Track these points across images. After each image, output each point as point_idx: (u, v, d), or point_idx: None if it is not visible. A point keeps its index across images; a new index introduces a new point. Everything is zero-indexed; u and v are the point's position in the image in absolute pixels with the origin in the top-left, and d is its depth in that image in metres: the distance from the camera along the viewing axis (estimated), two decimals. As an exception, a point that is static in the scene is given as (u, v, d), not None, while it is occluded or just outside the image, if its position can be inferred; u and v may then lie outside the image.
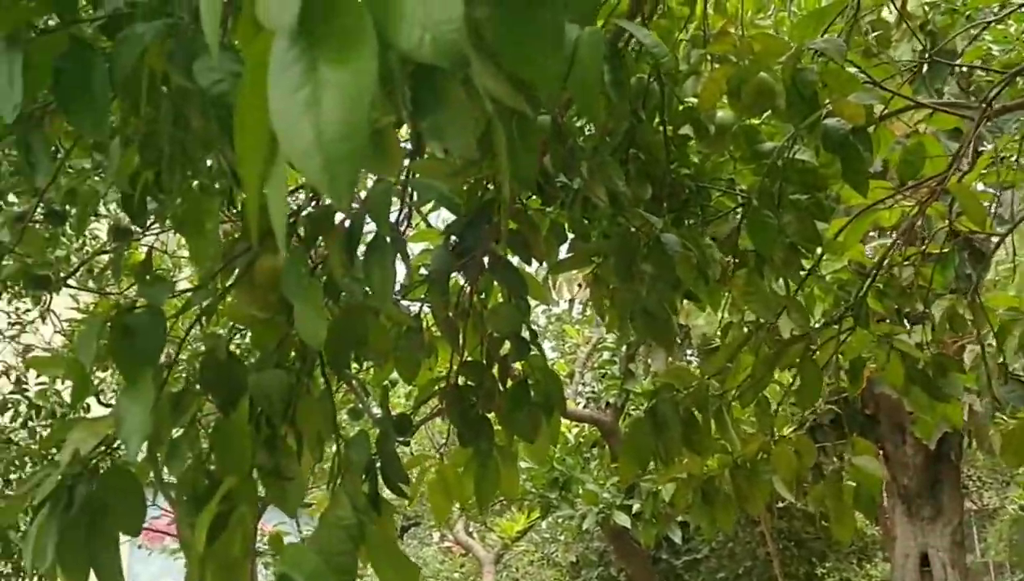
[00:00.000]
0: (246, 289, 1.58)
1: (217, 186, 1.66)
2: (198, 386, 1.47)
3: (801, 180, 2.45)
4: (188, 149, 1.31)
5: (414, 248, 3.00)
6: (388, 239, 1.36)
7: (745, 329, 2.75)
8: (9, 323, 5.51)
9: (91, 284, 6.62)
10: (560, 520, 10.39)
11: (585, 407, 5.51)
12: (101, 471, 1.40)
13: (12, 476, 5.46)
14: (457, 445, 2.60)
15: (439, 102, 0.74)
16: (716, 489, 2.61)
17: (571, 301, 8.63)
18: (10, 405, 5.39)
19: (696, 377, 2.50)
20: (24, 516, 5.51)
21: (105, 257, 6.47)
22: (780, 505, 9.32)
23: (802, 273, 2.41)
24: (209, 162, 1.49)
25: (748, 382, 2.42)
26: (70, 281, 5.93)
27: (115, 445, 1.44)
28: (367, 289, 1.64)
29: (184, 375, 1.69)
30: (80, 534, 1.37)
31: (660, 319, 2.23)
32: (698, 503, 2.59)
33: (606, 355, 5.46)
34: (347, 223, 1.43)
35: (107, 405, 5.43)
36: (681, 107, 2.60)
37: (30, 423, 5.53)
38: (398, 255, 1.39)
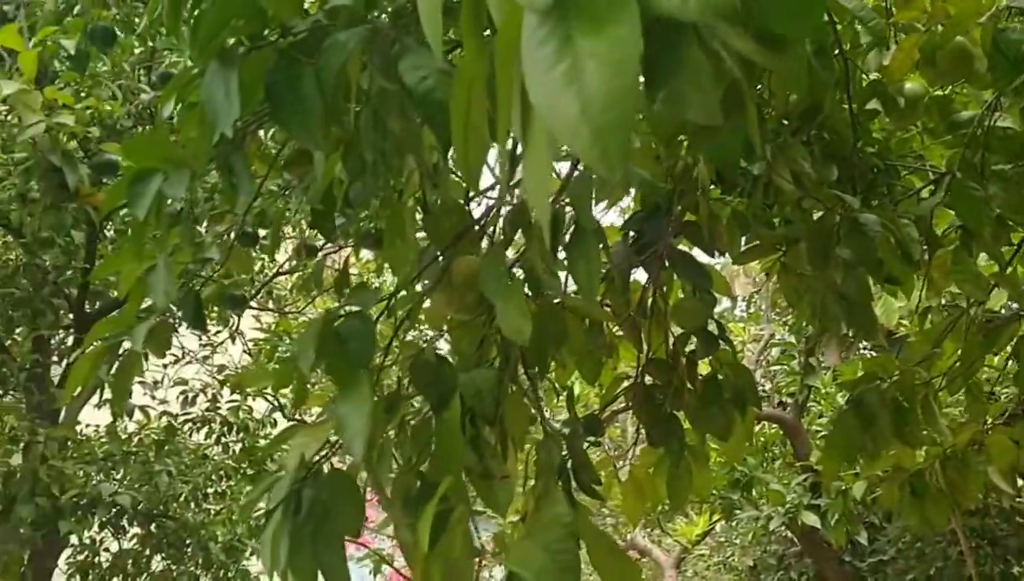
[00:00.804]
0: (444, 291, 1.59)
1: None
2: (407, 389, 1.48)
3: (1005, 149, 2.29)
4: (387, 155, 1.32)
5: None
6: (591, 230, 1.33)
7: (945, 313, 2.59)
8: (200, 345, 5.84)
9: (270, 304, 6.95)
10: (737, 524, 10.15)
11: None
12: (322, 475, 1.43)
13: (209, 490, 5.75)
14: (645, 445, 2.56)
15: (679, 67, 0.70)
16: (926, 483, 2.45)
17: (734, 298, 8.41)
18: (204, 423, 5.70)
19: (898, 366, 2.35)
20: (223, 527, 5.81)
21: (282, 277, 6.78)
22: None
23: (1011, 247, 2.24)
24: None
25: (956, 368, 2.27)
26: (252, 302, 6.24)
27: (332, 449, 1.48)
28: (562, 284, 1.63)
29: (388, 380, 1.72)
30: (307, 538, 1.40)
31: (860, 306, 2.11)
32: (907, 498, 2.44)
33: (778, 351, 5.27)
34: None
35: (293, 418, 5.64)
36: (865, 81, 2.47)
37: (223, 439, 5.84)
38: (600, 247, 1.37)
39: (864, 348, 6.01)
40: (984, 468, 2.39)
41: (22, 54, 2.33)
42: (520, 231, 1.48)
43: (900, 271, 2.12)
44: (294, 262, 6.49)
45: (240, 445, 5.85)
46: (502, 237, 1.61)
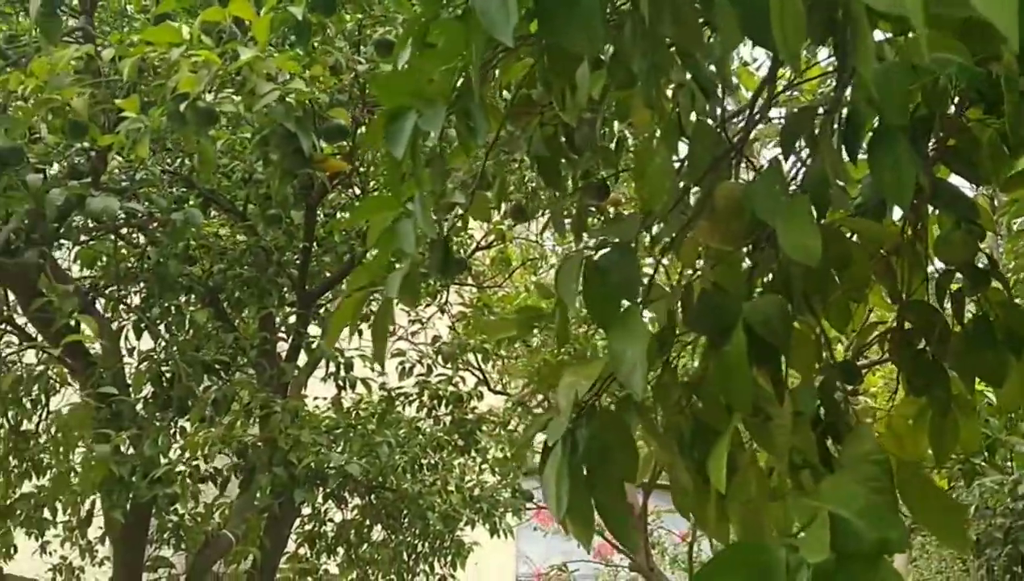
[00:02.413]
0: (707, 220, 1.48)
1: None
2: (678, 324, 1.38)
3: None
4: (659, 67, 1.22)
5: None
6: (900, 129, 1.18)
7: None
8: (410, 321, 5.97)
9: (469, 280, 7.04)
10: (962, 494, 9.47)
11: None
12: (596, 416, 1.35)
13: (423, 461, 5.87)
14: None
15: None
16: None
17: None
18: (414, 397, 5.82)
19: None
20: (439, 497, 5.92)
21: (479, 254, 6.85)
22: None
23: None
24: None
25: None
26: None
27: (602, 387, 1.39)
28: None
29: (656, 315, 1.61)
30: (582, 480, 1.33)
31: None
32: None
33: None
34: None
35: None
36: None
37: (434, 412, 5.95)
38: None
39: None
40: None
41: (255, 23, 2.39)
42: (800, 142, 1.34)
43: None
44: (491, 238, 6.54)
45: (450, 418, 5.95)
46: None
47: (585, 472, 1.34)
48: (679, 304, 1.38)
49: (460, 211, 2.17)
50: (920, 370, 2.25)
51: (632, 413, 1.39)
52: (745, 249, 1.49)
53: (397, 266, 1.68)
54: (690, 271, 1.47)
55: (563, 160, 2.17)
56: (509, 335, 3.44)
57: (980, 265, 2.21)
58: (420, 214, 1.47)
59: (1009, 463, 4.34)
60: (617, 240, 1.41)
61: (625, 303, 1.36)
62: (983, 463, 4.53)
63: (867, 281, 1.72)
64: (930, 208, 2.29)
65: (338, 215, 5.28)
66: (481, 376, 6.66)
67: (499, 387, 7.20)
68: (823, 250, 1.45)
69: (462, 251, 6.36)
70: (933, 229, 2.39)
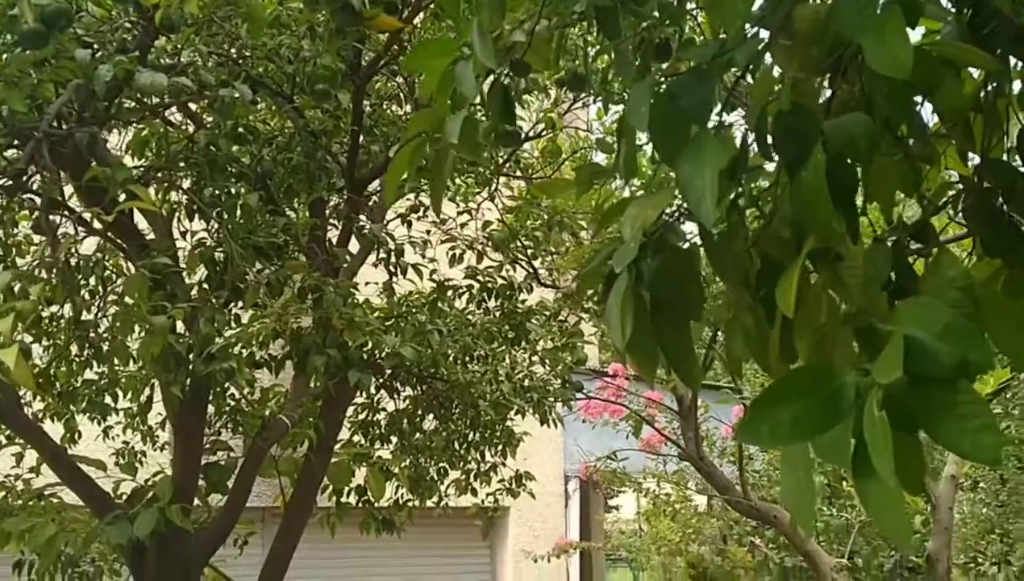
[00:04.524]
0: (784, 46, 1.38)
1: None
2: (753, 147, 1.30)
3: None
4: None
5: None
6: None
7: None
8: (458, 212, 5.92)
9: (517, 172, 6.94)
10: (1011, 390, 9.32)
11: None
12: (664, 248, 1.29)
13: (474, 352, 5.88)
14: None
15: None
16: None
17: None
18: (463, 289, 5.81)
19: None
20: (490, 386, 5.96)
21: (527, 145, 6.73)
22: None
23: None
24: None
25: None
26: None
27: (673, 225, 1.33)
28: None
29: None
30: (646, 313, 1.27)
31: None
32: None
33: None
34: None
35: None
36: None
37: (484, 303, 5.93)
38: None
39: None
40: None
41: None
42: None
43: None
44: (541, 128, 6.41)
45: (500, 310, 5.93)
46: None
47: (649, 307, 1.29)
48: (754, 131, 1.31)
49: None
50: (996, 231, 2.16)
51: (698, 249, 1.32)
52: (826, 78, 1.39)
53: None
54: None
55: (624, 10, 2.07)
56: (569, 194, 3.35)
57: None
58: (479, 45, 1.40)
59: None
60: (692, 65, 1.33)
61: (695, 130, 1.28)
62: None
63: (958, 112, 1.61)
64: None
65: (384, 106, 5.20)
66: (531, 269, 6.62)
67: (549, 281, 7.16)
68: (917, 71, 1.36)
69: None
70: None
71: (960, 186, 2.27)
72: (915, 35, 2.88)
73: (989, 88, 2.14)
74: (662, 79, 1.32)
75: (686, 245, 1.31)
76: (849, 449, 1.04)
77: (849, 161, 1.31)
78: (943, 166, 2.36)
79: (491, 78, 1.95)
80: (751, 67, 1.36)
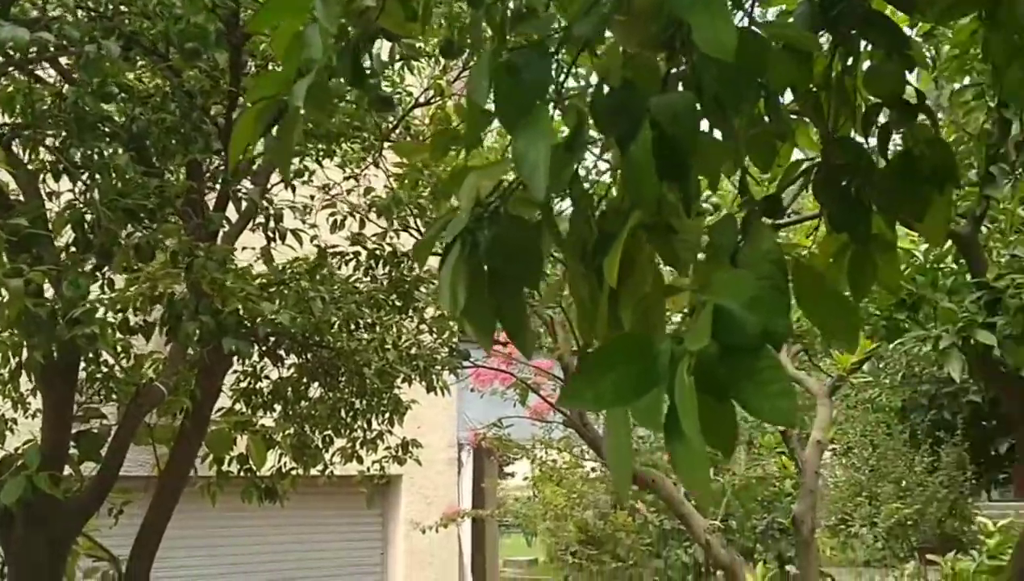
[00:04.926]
0: (622, 22, 1.41)
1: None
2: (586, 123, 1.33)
3: None
4: None
5: (769, 12, 2.71)
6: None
7: None
8: (344, 178, 5.84)
9: (407, 139, 6.89)
10: (886, 365, 9.80)
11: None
12: (500, 218, 1.31)
13: (361, 320, 5.85)
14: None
15: None
16: None
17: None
18: (350, 256, 5.75)
19: None
20: (376, 354, 5.93)
21: (418, 111, 6.68)
22: None
23: None
24: None
25: None
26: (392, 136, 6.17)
27: (510, 195, 1.35)
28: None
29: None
30: (484, 284, 1.30)
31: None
32: None
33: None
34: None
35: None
36: None
37: (371, 271, 5.89)
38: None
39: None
40: None
41: None
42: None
43: None
44: (430, 94, 6.37)
45: (388, 278, 5.90)
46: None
47: (488, 276, 1.31)
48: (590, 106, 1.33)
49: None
50: (843, 207, 2.25)
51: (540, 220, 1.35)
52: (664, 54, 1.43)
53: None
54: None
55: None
56: (423, 158, 3.37)
57: (908, 98, 2.19)
58: (321, 7, 1.38)
59: (933, 322, 4.45)
60: (532, 40, 1.35)
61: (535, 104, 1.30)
62: (907, 320, 4.64)
63: (785, 90, 1.67)
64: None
65: (271, 66, 5.08)
66: (420, 236, 6.60)
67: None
68: (740, 57, 1.41)
69: (401, 107, 6.21)
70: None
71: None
72: (771, 14, 2.95)
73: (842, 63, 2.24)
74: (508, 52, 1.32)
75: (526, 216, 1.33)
76: (661, 413, 1.08)
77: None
78: (792, 147, 2.47)
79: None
80: (591, 42, 1.38)
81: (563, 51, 1.42)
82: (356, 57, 1.64)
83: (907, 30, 4.17)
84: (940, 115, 6.79)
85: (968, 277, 4.41)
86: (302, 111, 1.54)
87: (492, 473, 12.98)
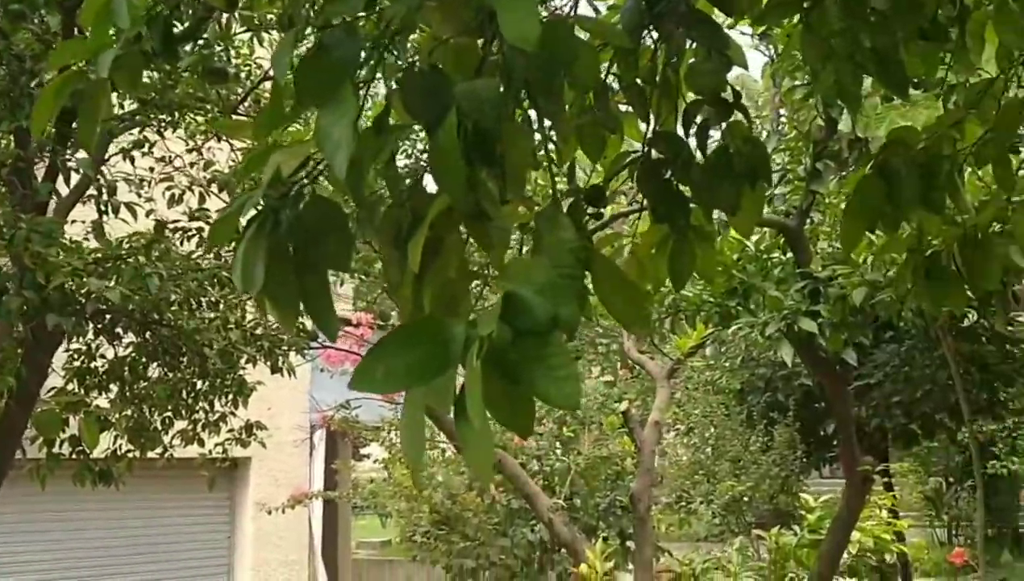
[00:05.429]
0: (437, 7, 1.42)
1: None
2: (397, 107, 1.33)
3: None
4: None
5: (600, 5, 2.78)
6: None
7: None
8: (187, 149, 5.64)
9: (255, 113, 6.70)
10: (727, 349, 10.24)
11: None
12: (305, 198, 1.30)
13: (203, 298, 5.68)
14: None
15: None
16: (942, 266, 2.35)
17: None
18: (193, 232, 5.57)
19: (924, 138, 2.21)
20: (218, 334, 5.77)
21: (268, 84, 6.51)
22: (963, 325, 8.82)
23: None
24: None
25: (987, 138, 2.12)
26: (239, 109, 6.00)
27: (317, 175, 1.34)
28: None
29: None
30: (287, 262, 1.29)
31: (892, 61, 1.94)
32: (921, 281, 2.34)
33: (786, 157, 5.11)
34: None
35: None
36: None
37: (215, 249, 5.71)
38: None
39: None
40: (1006, 249, 2.28)
41: None
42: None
43: (940, 21, 1.93)
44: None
45: (232, 254, 5.75)
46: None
47: (294, 256, 1.30)
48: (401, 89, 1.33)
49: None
50: (664, 198, 2.34)
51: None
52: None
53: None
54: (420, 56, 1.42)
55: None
56: (247, 136, 3.29)
57: (726, 96, 2.29)
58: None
59: (761, 309, 4.68)
60: (341, 20, 1.34)
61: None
62: (738, 306, 4.86)
63: (594, 82, 1.72)
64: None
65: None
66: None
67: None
68: (551, 48, 1.44)
69: (250, 80, 6.04)
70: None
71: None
72: (602, 7, 3.02)
73: (665, 60, 2.32)
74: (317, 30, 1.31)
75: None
76: (451, 395, 1.10)
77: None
78: (622, 138, 2.55)
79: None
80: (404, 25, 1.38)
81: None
82: (167, 27, 1.59)
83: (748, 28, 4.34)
84: (782, 112, 7.12)
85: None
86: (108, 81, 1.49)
87: (345, 455, 12.87)
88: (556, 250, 1.24)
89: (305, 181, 1.28)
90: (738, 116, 2.30)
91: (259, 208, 1.22)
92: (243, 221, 1.30)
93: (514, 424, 1.19)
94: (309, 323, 4.69)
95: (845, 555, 7.15)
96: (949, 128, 2.06)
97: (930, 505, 17.42)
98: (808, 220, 4.79)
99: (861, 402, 9.74)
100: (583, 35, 1.57)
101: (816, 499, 8.05)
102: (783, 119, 6.91)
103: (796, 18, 2.50)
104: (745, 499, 10.30)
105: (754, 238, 4.85)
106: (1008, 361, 9.86)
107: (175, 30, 1.61)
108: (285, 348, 6.08)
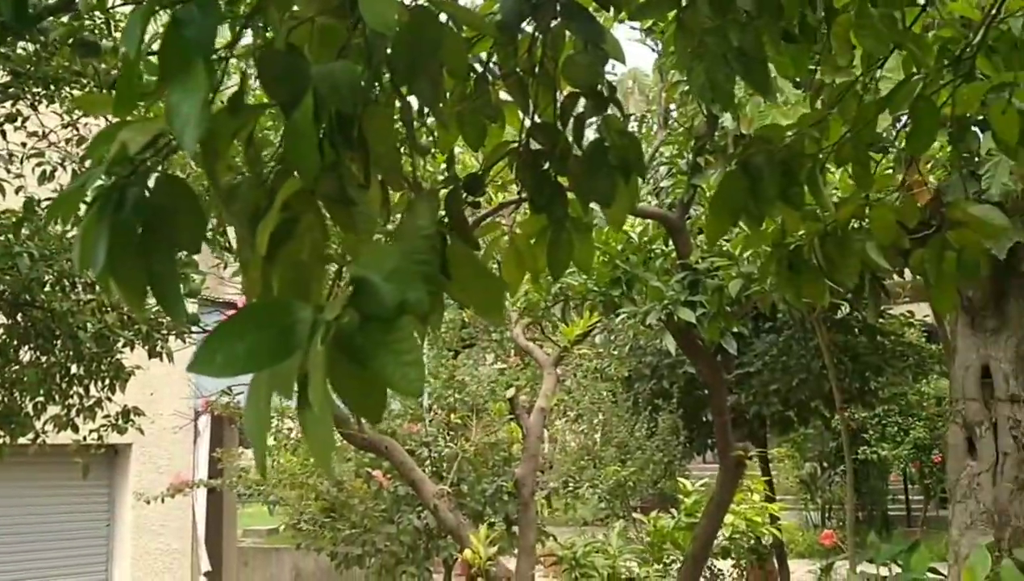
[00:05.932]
0: (303, -13, 1.40)
1: None
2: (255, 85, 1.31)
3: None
4: None
5: (480, -6, 2.77)
6: None
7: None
8: (62, 125, 5.41)
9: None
10: (615, 337, 10.42)
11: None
12: (155, 177, 1.26)
13: (78, 279, 5.49)
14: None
15: None
16: (804, 260, 2.44)
17: (628, 116, 8.32)
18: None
19: (788, 136, 2.29)
20: (93, 316, 5.57)
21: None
22: (837, 317, 9.21)
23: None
24: None
25: (846, 137, 2.21)
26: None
27: (168, 153, 1.30)
28: None
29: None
30: (133, 242, 1.25)
31: (757, 62, 2.00)
32: (784, 274, 2.43)
33: (670, 152, 5.23)
34: None
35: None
36: None
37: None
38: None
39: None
40: (863, 245, 2.38)
41: None
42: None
43: (809, 23, 2.00)
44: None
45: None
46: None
47: (142, 235, 1.26)
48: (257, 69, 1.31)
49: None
50: (542, 189, 2.37)
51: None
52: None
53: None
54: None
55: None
56: (108, 112, 3.15)
57: (602, 90, 2.32)
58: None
59: (643, 298, 4.78)
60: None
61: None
62: (622, 296, 4.95)
63: (463, 69, 1.73)
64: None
65: None
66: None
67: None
68: (416, 35, 1.44)
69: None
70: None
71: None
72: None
73: (543, 52, 2.34)
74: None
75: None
76: (293, 380, 1.09)
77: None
78: (503, 127, 2.56)
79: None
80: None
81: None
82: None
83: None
84: (672, 107, 7.26)
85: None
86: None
87: (231, 442, 12.60)
88: (410, 236, 1.23)
89: (155, 158, 1.25)
90: (613, 110, 2.34)
91: (103, 185, 1.18)
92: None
93: (364, 409, 1.19)
94: (191, 307, 4.57)
95: (719, 537, 7.39)
96: (811, 127, 2.14)
97: (805, 489, 18.16)
98: (690, 213, 4.91)
99: (741, 390, 10.06)
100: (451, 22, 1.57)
101: (695, 484, 8.28)
102: (674, 113, 7.05)
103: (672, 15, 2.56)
104: (630, 484, 10.53)
105: (637, 230, 4.94)
106: (878, 352, 10.33)
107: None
108: (164, 332, 5.91)
